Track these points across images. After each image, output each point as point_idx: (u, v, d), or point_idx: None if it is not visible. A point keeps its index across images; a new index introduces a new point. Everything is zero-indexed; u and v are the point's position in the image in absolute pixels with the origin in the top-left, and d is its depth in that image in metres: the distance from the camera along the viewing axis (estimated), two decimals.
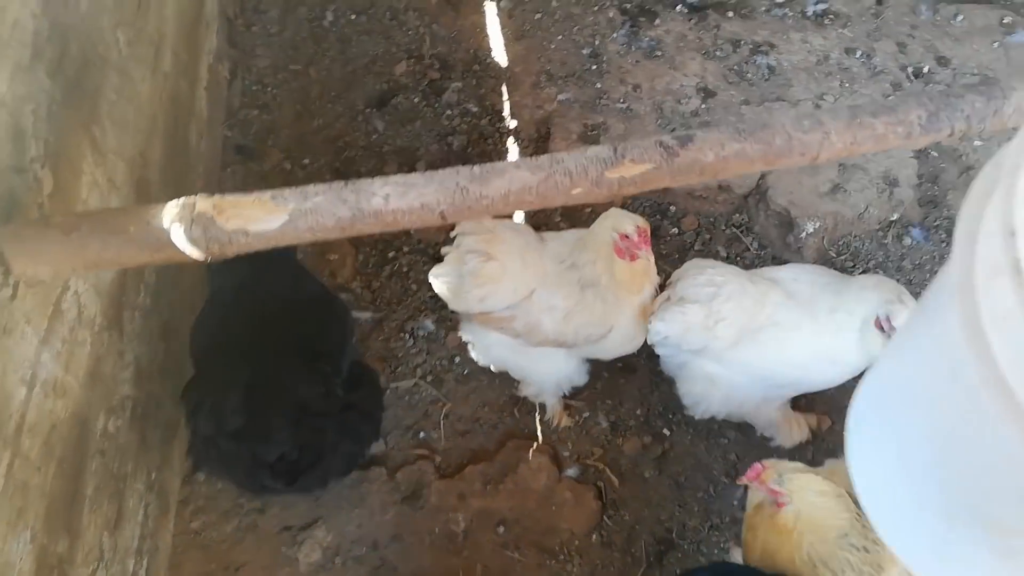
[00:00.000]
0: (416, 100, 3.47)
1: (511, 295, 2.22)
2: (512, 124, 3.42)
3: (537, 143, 3.38)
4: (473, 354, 2.55)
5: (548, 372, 2.48)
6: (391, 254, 3.13)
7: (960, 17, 3.68)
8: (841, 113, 1.82)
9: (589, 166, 1.68)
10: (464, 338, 2.52)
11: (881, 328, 2.15)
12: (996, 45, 3.57)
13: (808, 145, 1.79)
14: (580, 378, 2.61)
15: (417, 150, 3.36)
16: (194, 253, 1.48)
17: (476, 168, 1.65)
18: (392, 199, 1.58)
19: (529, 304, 2.26)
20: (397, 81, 3.51)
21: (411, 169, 3.30)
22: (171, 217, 1.45)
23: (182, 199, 1.49)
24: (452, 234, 2.36)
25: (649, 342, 2.48)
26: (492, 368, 2.62)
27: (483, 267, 2.16)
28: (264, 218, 1.49)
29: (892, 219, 3.21)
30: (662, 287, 2.49)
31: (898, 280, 3.08)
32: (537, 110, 3.45)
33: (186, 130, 2.67)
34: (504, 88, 3.51)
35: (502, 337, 2.33)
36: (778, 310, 2.28)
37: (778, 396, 2.52)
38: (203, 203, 1.46)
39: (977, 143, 3.30)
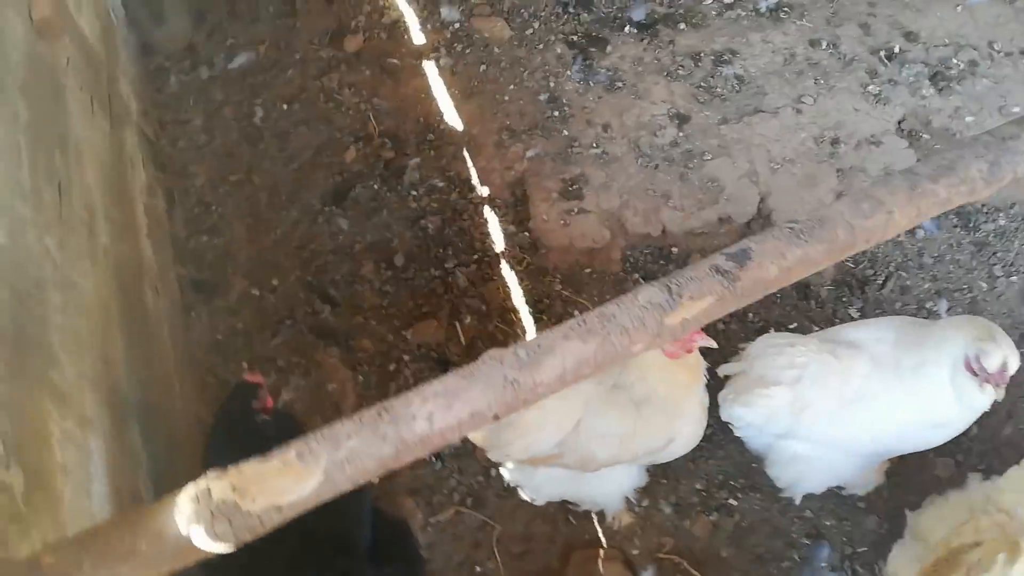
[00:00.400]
0: (376, 187, 3.17)
1: (556, 433, 1.99)
2: (484, 192, 3.16)
3: (516, 208, 3.12)
4: (523, 495, 2.31)
5: (610, 491, 2.27)
6: (392, 367, 2.85)
7: None
8: (898, 184, 1.61)
9: (645, 316, 1.43)
10: (509, 481, 2.28)
11: (973, 372, 1.95)
12: (959, 9, 3.43)
13: (873, 231, 1.58)
14: (642, 480, 2.41)
15: (391, 242, 3.07)
16: (224, 548, 1.21)
17: (521, 351, 1.40)
18: (436, 418, 1.32)
19: (577, 435, 2.02)
20: (350, 170, 3.21)
21: (389, 265, 3.03)
22: (187, 518, 1.17)
23: (193, 489, 1.20)
24: None
25: (727, 422, 2.29)
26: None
27: (522, 417, 1.92)
28: (295, 486, 1.22)
29: None
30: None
31: (922, 278, 2.95)
32: (507, 171, 3.19)
33: (140, 296, 2.35)
34: (466, 154, 3.24)
35: (553, 471, 2.10)
36: (866, 382, 2.10)
37: (877, 460, 2.35)
38: (220, 488, 1.18)
39: (969, 119, 3.15)
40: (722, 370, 2.34)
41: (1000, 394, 1.97)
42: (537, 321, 2.90)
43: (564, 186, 3.11)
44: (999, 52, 3.31)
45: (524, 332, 2.88)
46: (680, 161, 3.13)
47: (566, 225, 3.03)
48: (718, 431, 2.60)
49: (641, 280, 2.97)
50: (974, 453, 2.64)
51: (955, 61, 3.28)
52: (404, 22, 3.50)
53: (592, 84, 3.35)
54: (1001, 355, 1.90)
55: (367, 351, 2.84)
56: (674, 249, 3.03)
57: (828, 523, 2.57)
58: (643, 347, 1.46)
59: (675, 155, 3.15)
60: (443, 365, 2.81)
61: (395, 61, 3.42)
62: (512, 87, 3.37)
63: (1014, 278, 2.93)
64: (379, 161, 3.22)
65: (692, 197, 3.05)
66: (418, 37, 3.47)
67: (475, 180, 3.18)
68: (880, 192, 1.63)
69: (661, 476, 2.63)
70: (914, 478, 2.58)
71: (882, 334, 2.18)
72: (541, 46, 3.47)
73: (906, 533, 2.19)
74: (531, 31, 3.51)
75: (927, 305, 2.88)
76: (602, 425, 2.01)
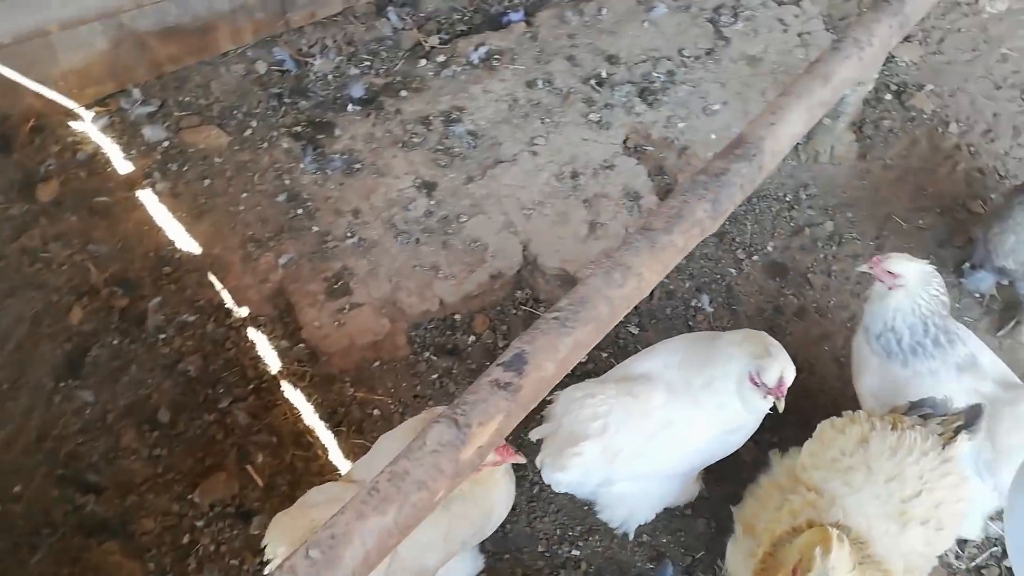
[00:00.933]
0: (116, 342, 2.79)
1: (379, 571, 1.82)
2: (243, 313, 2.89)
3: (283, 321, 2.89)
4: None
5: None
6: (186, 539, 2.50)
7: (604, 10, 3.77)
8: (640, 245, 1.65)
9: (439, 460, 1.33)
10: None
11: (756, 383, 2.08)
12: (646, 25, 3.71)
13: (630, 297, 1.61)
14: (479, 564, 2.36)
15: (149, 399, 2.71)
16: None
17: (313, 551, 1.23)
18: None
19: (402, 559, 1.89)
20: (80, 332, 2.79)
21: (153, 425, 2.67)
22: None
23: None
24: (264, 553, 1.87)
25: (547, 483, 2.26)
26: None
27: None
28: None
29: None
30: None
31: (682, 280, 3.12)
32: (263, 285, 2.95)
33: None
34: (213, 277, 2.95)
35: None
36: (664, 410, 2.16)
37: (693, 474, 2.43)
38: None
39: (681, 125, 3.40)
40: (533, 435, 2.31)
41: (780, 405, 2.10)
42: (337, 435, 2.69)
43: (329, 285, 2.93)
44: (689, 57, 3.61)
45: (326, 452, 2.66)
46: (439, 230, 3.07)
47: (341, 325, 2.86)
48: (545, 487, 2.56)
49: (433, 357, 2.87)
50: (764, 428, 2.82)
51: (655, 74, 3.53)
52: (103, 154, 3.15)
53: (330, 172, 3.20)
54: (778, 369, 2.04)
55: (152, 532, 2.47)
56: (456, 316, 2.96)
57: (665, 540, 2.60)
58: (446, 493, 1.35)
59: (432, 225, 3.09)
60: (245, 518, 2.52)
61: (104, 199, 3.05)
62: (245, 195, 3.13)
63: (755, 257, 3.19)
64: (112, 313, 2.84)
65: (460, 262, 3.00)
66: (124, 167, 3.13)
67: (230, 303, 2.91)
68: (626, 257, 1.66)
69: (503, 552, 2.54)
70: (724, 471, 2.65)
71: (670, 359, 2.26)
72: (265, 144, 3.27)
73: (735, 529, 2.27)
74: (250, 131, 3.30)
75: (692, 303, 3.04)
76: (419, 536, 1.89)
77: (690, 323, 3.01)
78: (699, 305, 3.05)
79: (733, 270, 3.15)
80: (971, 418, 2.11)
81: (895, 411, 2.22)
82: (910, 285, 2.23)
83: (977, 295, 3.10)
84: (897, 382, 2.30)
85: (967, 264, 3.14)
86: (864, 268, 2.31)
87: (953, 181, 3.44)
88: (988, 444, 2.21)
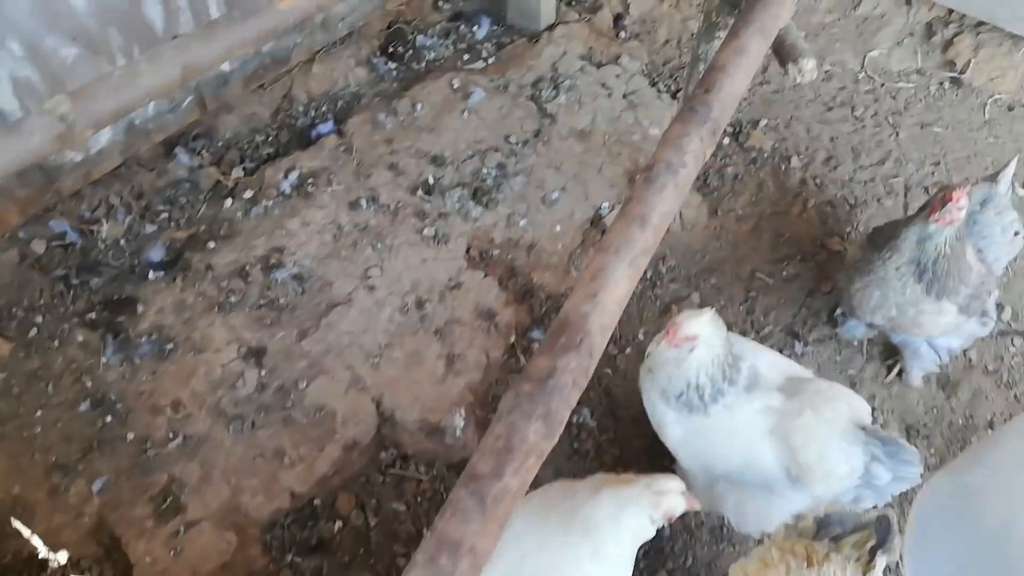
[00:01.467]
0: None
1: None
2: (61, 561, 2.44)
3: (111, 561, 2.44)
4: None
5: None
6: None
7: (419, 105, 3.49)
8: (466, 507, 1.35)
9: None
10: None
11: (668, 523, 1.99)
12: (466, 115, 3.45)
13: None
14: None
15: None
16: None
17: None
18: None
19: None
20: None
21: None
22: None
23: None
24: None
25: None
26: None
27: None
28: None
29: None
30: None
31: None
32: (79, 520, 2.49)
33: None
34: (17, 525, 2.48)
35: None
36: None
37: None
38: None
39: (522, 222, 3.15)
40: None
41: (697, 504, 2.03)
42: None
43: (156, 505, 2.51)
44: (517, 144, 3.37)
45: None
46: (276, 405, 2.69)
47: (179, 552, 2.44)
48: None
49: (298, 559, 2.50)
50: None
51: (486, 170, 3.27)
52: None
53: (138, 360, 2.77)
54: (680, 495, 1.96)
55: None
56: (316, 502, 2.60)
57: None
58: None
59: (267, 400, 2.71)
60: None
61: None
62: (40, 411, 2.66)
63: (628, 350, 2.97)
64: None
65: (307, 440, 2.63)
66: None
67: (43, 552, 2.44)
68: (451, 528, 1.34)
69: None
70: None
71: (522, 546, 1.98)
72: (56, 343, 2.80)
73: None
74: (35, 331, 2.82)
75: (573, 419, 2.79)
76: None
77: (575, 444, 2.76)
78: (581, 421, 2.81)
79: (608, 370, 2.93)
80: (883, 535, 1.95)
81: (802, 535, 2.05)
82: (705, 336, 2.16)
83: (855, 343, 2.99)
84: (699, 430, 2.26)
85: (839, 311, 3.02)
86: (664, 348, 2.18)
87: (807, 220, 3.34)
88: (793, 461, 2.20)
